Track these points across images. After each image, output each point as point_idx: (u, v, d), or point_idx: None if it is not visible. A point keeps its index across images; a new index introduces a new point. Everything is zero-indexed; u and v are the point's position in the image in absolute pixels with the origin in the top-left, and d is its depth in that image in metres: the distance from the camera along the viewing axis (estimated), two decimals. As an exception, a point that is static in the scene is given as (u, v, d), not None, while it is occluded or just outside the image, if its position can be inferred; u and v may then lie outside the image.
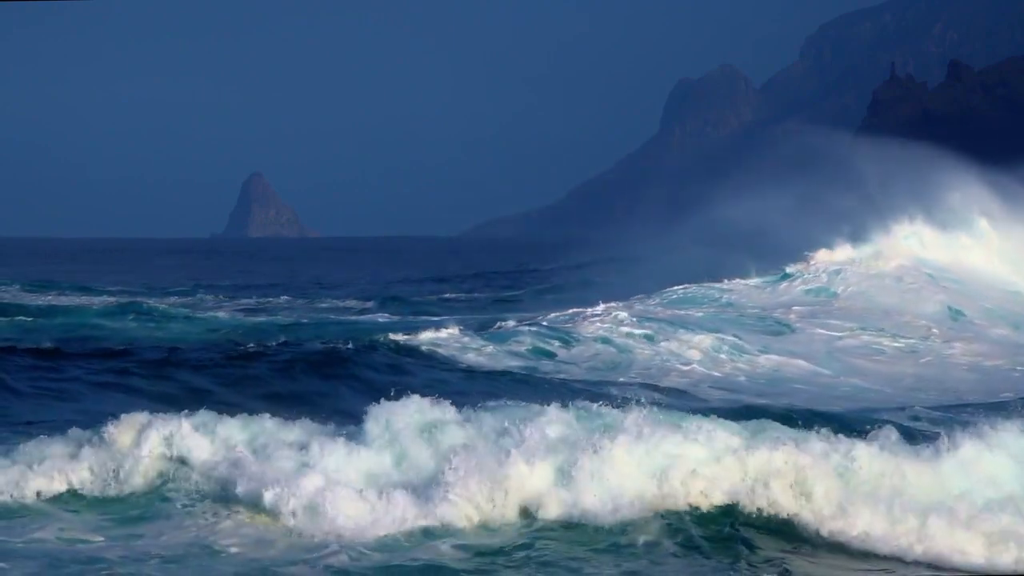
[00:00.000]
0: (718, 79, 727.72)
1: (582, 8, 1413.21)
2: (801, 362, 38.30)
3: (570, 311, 42.48)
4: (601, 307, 42.09)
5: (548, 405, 18.96)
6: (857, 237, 54.93)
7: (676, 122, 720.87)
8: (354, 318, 52.87)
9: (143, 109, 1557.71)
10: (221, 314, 54.91)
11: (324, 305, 63.27)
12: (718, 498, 17.76)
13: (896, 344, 42.76)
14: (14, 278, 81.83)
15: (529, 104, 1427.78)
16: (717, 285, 50.09)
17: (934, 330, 44.91)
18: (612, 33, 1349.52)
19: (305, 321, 50.21)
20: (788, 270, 52.95)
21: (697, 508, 17.67)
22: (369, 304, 61.79)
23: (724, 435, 18.16)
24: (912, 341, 43.30)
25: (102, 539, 16.91)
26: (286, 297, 69.21)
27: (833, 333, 43.25)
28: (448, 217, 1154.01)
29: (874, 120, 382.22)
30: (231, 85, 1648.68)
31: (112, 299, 62.04)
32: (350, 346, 34.18)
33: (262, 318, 52.30)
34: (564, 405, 19.04)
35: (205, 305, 62.64)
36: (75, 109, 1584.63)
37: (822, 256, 53.67)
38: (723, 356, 37.62)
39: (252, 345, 35.27)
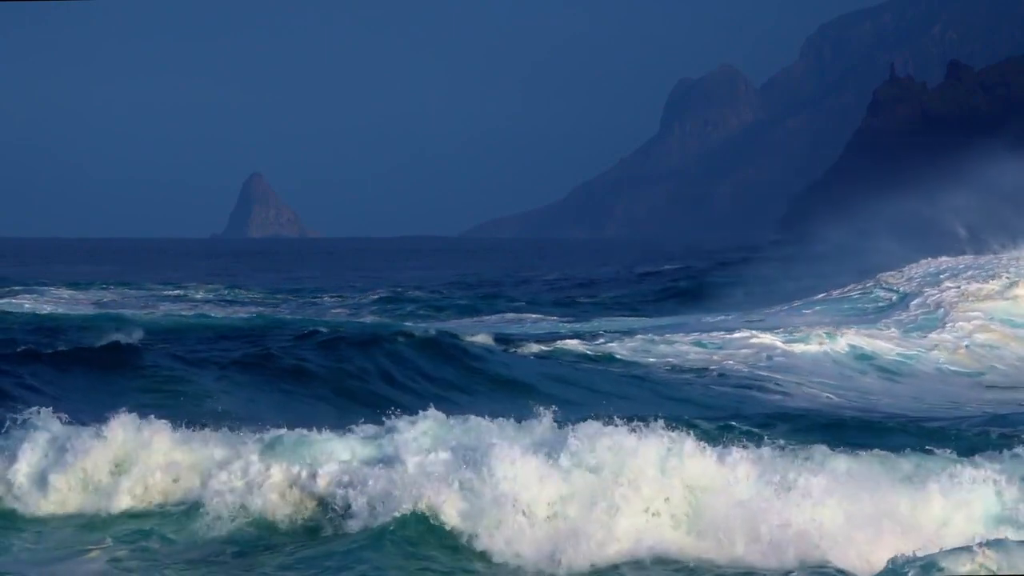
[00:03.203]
0: (718, 79, 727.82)
1: (582, 8, 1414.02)
2: (879, 342, 39.04)
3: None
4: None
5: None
6: None
7: (676, 122, 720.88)
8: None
9: (143, 109, 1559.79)
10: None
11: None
12: None
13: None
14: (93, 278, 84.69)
15: (529, 104, 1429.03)
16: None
17: None
18: (612, 33, 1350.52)
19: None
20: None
21: None
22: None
23: None
24: None
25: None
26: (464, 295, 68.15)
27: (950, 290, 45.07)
28: (449, 217, 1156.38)
29: (874, 120, 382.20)
30: (231, 85, 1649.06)
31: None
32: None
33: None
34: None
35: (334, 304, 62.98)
36: (75, 109, 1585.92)
37: None
38: (793, 344, 38.18)
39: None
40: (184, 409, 23.07)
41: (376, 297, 68.32)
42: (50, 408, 19.01)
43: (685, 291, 70.09)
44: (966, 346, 39.16)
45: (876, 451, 17.73)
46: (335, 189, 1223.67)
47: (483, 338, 35.29)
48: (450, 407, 19.90)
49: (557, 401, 19.52)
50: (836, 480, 16.49)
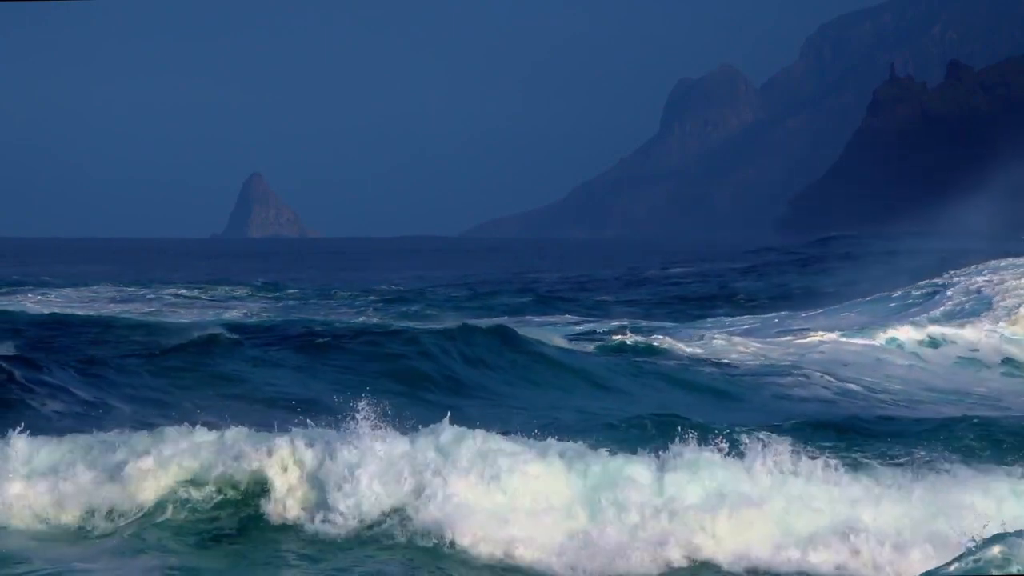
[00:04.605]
0: (718, 79, 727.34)
1: (582, 8, 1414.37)
2: (929, 331, 39.37)
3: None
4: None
5: None
6: None
7: (676, 122, 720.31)
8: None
9: (143, 109, 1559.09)
10: None
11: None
12: None
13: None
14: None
15: (529, 104, 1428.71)
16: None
17: None
18: (612, 33, 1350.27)
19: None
20: None
21: None
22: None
23: None
24: None
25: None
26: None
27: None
28: (449, 217, 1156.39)
29: (874, 120, 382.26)
30: (231, 85, 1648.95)
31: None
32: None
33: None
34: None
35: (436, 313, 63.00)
36: (75, 109, 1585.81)
37: None
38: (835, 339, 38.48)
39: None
40: (249, 398, 23.54)
41: (378, 297, 68.53)
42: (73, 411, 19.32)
43: (697, 294, 70.33)
44: (1021, 316, 39.52)
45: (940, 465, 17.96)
46: (335, 189, 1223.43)
47: (534, 332, 35.98)
48: (495, 394, 20.04)
49: (588, 390, 19.74)
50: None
